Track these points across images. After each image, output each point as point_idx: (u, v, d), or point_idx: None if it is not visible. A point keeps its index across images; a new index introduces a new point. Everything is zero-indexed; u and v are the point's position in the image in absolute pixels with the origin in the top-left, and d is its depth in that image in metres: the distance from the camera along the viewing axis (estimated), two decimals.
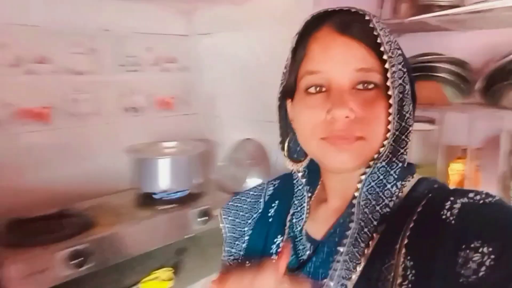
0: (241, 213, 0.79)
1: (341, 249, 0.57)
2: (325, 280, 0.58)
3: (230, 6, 1.53)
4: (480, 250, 0.46)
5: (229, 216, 0.80)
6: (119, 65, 1.51)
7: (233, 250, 0.76)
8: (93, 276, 1.01)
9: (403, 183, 0.60)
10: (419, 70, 1.14)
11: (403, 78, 0.58)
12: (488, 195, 0.53)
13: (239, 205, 0.81)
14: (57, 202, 1.25)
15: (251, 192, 0.81)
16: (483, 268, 0.45)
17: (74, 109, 1.40)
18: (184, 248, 1.21)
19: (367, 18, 0.56)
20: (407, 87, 0.59)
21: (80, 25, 1.39)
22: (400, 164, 0.60)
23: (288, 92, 0.64)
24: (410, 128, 0.60)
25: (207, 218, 1.23)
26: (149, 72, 1.59)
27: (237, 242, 0.77)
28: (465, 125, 1.14)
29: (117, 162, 1.37)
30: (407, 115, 0.59)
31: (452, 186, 0.62)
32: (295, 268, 0.64)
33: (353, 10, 0.58)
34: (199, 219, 1.22)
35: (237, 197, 0.83)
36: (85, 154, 1.43)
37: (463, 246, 0.47)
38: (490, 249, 0.46)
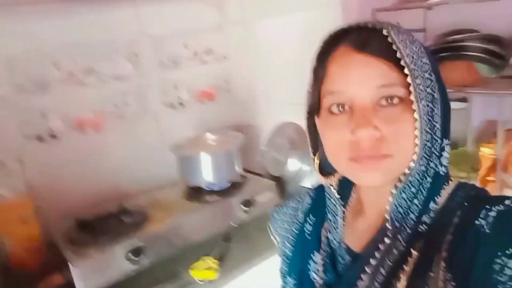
0: (285, 226, 0.81)
1: (373, 261, 0.58)
2: None
3: None
4: None
5: (276, 229, 0.83)
6: (159, 64, 1.59)
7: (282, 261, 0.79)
8: (149, 269, 1.14)
9: (439, 195, 0.59)
10: (451, 49, 1.08)
11: (431, 86, 0.56)
12: None
13: (282, 218, 0.82)
14: (118, 196, 1.40)
15: (290, 204, 0.83)
16: None
17: (123, 112, 1.52)
18: (230, 236, 1.31)
19: (385, 32, 0.55)
20: (436, 95, 0.57)
21: (120, 33, 1.47)
22: (433, 179, 0.59)
23: (313, 110, 0.64)
24: (439, 140, 0.58)
25: (249, 208, 1.32)
26: (188, 67, 1.66)
27: (284, 254, 0.80)
28: (497, 103, 1.07)
29: (167, 157, 1.45)
30: (437, 125, 0.57)
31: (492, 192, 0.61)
32: (333, 281, 0.64)
33: (370, 25, 0.56)
34: (243, 208, 1.31)
35: (278, 209, 0.84)
36: (138, 151, 1.56)
37: (499, 253, 0.48)
38: None
